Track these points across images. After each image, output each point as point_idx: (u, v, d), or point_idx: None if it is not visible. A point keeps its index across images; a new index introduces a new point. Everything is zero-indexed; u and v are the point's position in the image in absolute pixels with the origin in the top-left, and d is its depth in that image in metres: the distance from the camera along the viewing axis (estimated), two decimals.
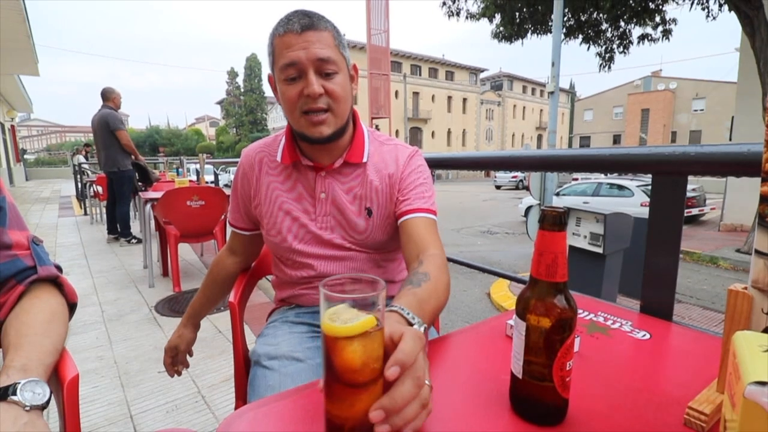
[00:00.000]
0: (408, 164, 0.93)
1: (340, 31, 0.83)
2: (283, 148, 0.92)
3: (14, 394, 0.52)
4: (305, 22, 0.78)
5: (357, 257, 0.92)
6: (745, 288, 0.47)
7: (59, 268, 0.74)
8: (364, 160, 0.91)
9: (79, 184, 8.56)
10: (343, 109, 0.84)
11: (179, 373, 1.11)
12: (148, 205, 3.42)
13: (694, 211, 10.22)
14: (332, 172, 0.90)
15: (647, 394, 0.53)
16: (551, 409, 0.47)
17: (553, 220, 0.45)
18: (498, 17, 8.30)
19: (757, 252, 0.45)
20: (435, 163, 1.47)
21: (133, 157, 4.85)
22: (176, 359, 1.10)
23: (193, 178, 6.68)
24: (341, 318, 0.41)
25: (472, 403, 0.52)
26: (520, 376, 0.48)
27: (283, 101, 0.83)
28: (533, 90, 48.86)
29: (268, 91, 43.35)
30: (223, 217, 3.42)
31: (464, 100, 41.27)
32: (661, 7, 7.57)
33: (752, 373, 0.29)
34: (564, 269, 0.45)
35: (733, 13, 6.41)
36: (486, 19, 8.41)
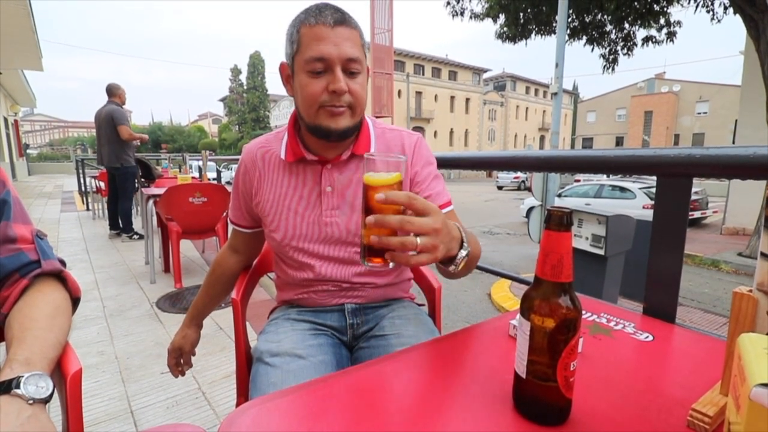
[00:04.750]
0: (417, 155, 0.93)
1: (363, 31, 0.84)
2: (286, 145, 0.91)
3: (18, 387, 0.52)
4: (338, 16, 0.78)
5: (359, 260, 0.91)
6: (750, 291, 0.47)
7: (63, 263, 0.74)
8: (372, 150, 0.91)
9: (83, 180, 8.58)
10: (361, 109, 0.84)
11: (183, 374, 1.11)
12: (151, 202, 3.42)
13: (697, 214, 10.20)
14: (339, 165, 0.90)
15: (650, 396, 0.53)
16: (555, 409, 0.47)
17: (560, 221, 0.45)
18: (502, 17, 8.29)
19: (763, 254, 0.45)
20: (439, 163, 1.46)
21: (139, 142, 4.86)
22: (180, 360, 1.09)
23: (196, 174, 6.69)
24: (376, 175, 0.61)
25: (475, 402, 0.52)
26: (523, 375, 0.48)
27: (302, 93, 0.81)
28: (536, 91, 48.80)
29: (271, 88, 43.38)
30: (225, 214, 3.42)
31: (467, 100, 41.21)
32: (665, 9, 7.55)
33: (758, 375, 0.29)
34: (569, 270, 0.45)
35: (737, 16, 6.39)
36: (490, 20, 8.40)
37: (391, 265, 0.62)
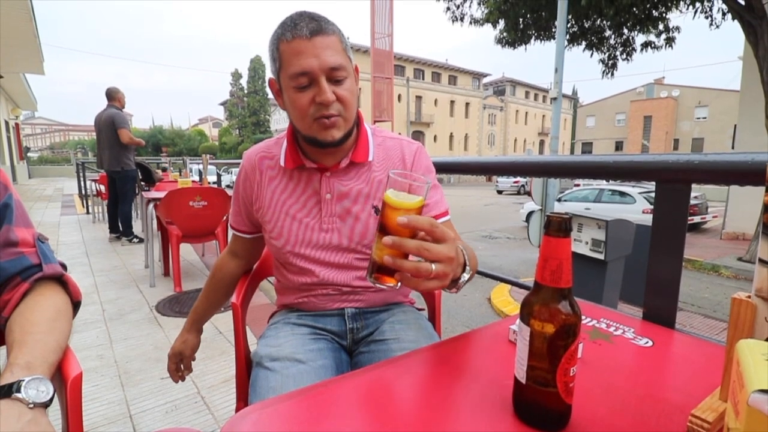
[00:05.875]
0: (417, 163, 0.93)
1: (343, 32, 0.83)
2: (285, 152, 0.91)
3: (18, 391, 0.52)
4: (314, 26, 0.77)
5: (360, 265, 0.92)
6: (749, 296, 0.47)
7: (64, 266, 0.75)
8: (370, 158, 0.91)
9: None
10: (352, 113, 0.84)
11: (183, 379, 1.10)
12: (151, 205, 3.43)
13: (696, 219, 10.21)
14: (338, 172, 0.90)
15: (650, 401, 0.53)
16: (554, 414, 0.47)
17: (559, 226, 0.45)
18: (502, 23, 8.32)
19: (761, 261, 0.45)
20: (438, 168, 1.47)
21: (135, 148, 4.88)
22: (180, 365, 1.09)
23: (196, 178, 6.70)
24: (398, 196, 0.60)
25: (475, 407, 0.52)
26: (523, 381, 0.48)
27: (292, 108, 0.82)
28: (536, 95, 48.95)
29: (271, 93, 43.52)
30: (225, 217, 3.42)
31: (467, 104, 41.33)
32: (664, 15, 7.59)
33: (756, 381, 0.29)
34: (569, 275, 0.46)
35: (736, 21, 6.42)
36: (490, 25, 8.44)
37: (398, 285, 0.62)
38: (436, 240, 0.59)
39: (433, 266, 0.58)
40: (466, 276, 0.66)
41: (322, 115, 0.80)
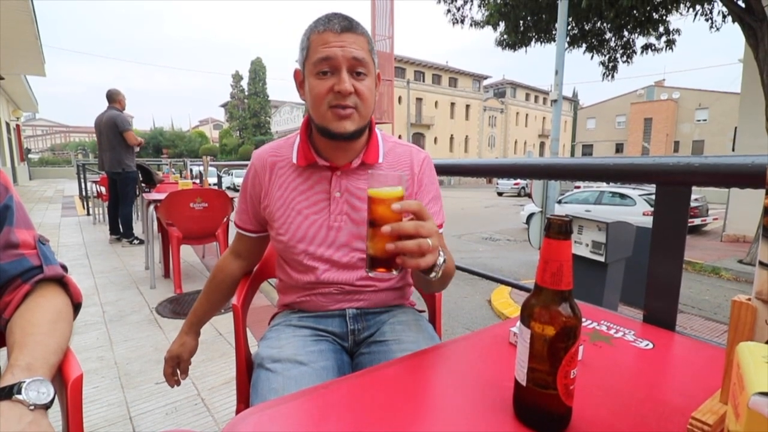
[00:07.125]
0: (424, 172, 0.96)
1: (372, 39, 0.87)
2: (297, 149, 0.92)
3: (19, 392, 0.52)
4: (345, 24, 0.82)
5: (363, 265, 0.92)
6: (749, 299, 0.47)
7: (65, 268, 0.75)
8: (380, 160, 0.93)
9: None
10: (368, 111, 0.86)
11: (179, 384, 1.09)
12: (151, 207, 3.43)
13: (697, 221, 10.21)
14: (349, 172, 0.91)
15: (650, 404, 0.53)
16: (555, 416, 0.47)
17: (559, 229, 0.45)
18: (502, 25, 8.34)
19: (761, 263, 0.45)
20: (440, 170, 1.47)
21: (138, 148, 4.89)
22: (177, 369, 1.07)
23: (197, 180, 6.71)
24: (381, 189, 0.65)
25: (475, 409, 0.52)
26: (524, 383, 0.48)
27: (311, 95, 0.84)
28: (536, 98, 48.98)
29: (272, 94, 43.63)
30: (225, 219, 3.43)
31: (467, 106, 41.37)
32: (664, 17, 7.60)
33: (756, 383, 0.29)
34: (569, 277, 0.46)
35: (736, 24, 6.43)
36: (490, 27, 8.46)
37: (395, 272, 0.68)
38: (421, 218, 0.66)
39: (429, 241, 0.64)
40: (441, 259, 0.71)
41: (338, 104, 0.82)
